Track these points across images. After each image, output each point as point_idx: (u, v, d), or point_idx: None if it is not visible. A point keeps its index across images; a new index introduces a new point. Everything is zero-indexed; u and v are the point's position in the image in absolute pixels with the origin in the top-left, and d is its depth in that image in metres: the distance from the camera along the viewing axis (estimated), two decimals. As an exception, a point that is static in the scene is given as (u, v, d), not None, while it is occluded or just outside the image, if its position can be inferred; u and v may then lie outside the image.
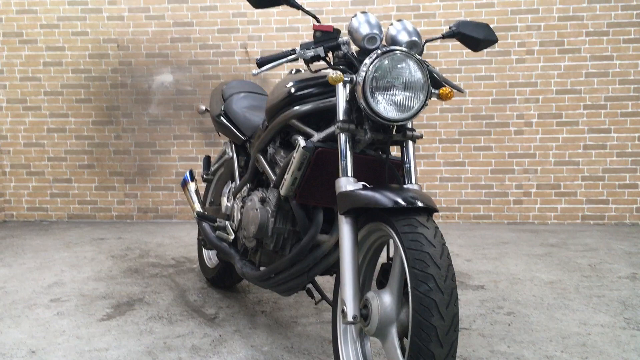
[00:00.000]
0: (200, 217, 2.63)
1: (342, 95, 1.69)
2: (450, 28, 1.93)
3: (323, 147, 1.77)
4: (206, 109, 2.98)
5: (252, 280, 2.18)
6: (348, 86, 1.68)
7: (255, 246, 2.16)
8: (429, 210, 1.50)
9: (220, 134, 2.82)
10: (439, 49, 4.73)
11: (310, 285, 2.18)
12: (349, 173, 1.63)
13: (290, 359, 2.04)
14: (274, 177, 2.06)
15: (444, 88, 1.71)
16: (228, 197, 2.59)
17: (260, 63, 1.84)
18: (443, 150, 4.80)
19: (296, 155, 1.79)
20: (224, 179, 2.81)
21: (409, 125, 1.73)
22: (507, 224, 4.76)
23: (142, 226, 4.79)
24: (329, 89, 1.88)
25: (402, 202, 1.45)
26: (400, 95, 1.60)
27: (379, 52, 1.60)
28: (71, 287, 2.97)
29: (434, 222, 1.48)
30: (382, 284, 1.60)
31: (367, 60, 1.60)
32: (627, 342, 2.16)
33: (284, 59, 1.82)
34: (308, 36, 4.83)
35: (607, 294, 2.77)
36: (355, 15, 1.75)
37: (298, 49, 1.80)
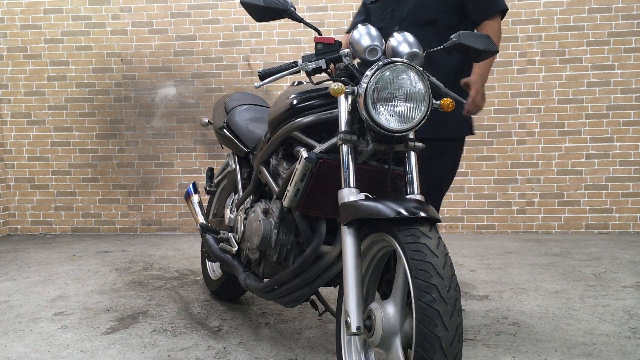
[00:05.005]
0: (204, 229, 2.63)
1: (343, 106, 1.70)
2: (451, 39, 1.93)
3: (325, 159, 1.78)
4: (209, 122, 2.99)
5: (256, 292, 2.18)
6: (350, 98, 1.69)
7: (258, 258, 2.17)
8: (432, 220, 1.50)
9: (223, 146, 2.84)
10: (441, 60, 4.74)
11: (314, 297, 2.18)
12: (352, 184, 1.64)
13: (294, 371, 2.04)
14: (276, 189, 2.06)
15: (445, 99, 1.72)
16: (231, 209, 2.60)
17: (263, 75, 1.86)
18: (446, 160, 4.80)
19: (299, 167, 1.79)
20: (227, 191, 2.82)
21: (411, 136, 1.74)
22: (511, 234, 4.75)
23: (145, 239, 4.80)
24: (330, 100, 1.89)
25: (405, 213, 1.46)
26: (401, 107, 1.61)
27: (380, 63, 1.61)
28: (75, 300, 2.98)
29: (436, 232, 1.49)
30: (385, 295, 1.61)
31: (368, 72, 1.61)
32: (632, 351, 2.14)
33: (286, 72, 1.84)
34: (310, 48, 4.85)
35: (612, 303, 2.75)
36: (357, 27, 1.77)
37: (300, 61, 1.82)
